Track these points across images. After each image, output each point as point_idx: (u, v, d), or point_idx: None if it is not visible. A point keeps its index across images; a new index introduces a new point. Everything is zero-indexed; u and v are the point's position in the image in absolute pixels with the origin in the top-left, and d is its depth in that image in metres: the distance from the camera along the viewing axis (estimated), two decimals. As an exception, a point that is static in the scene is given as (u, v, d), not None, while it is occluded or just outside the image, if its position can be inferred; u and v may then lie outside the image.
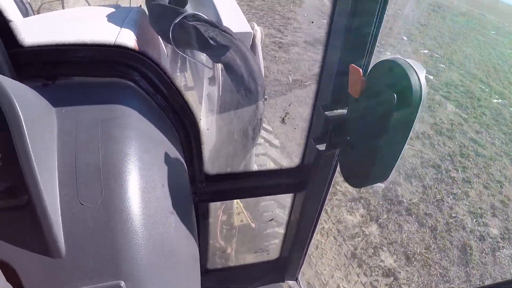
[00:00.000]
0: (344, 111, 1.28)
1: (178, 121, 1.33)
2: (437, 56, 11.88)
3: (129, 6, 3.65)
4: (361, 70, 1.06)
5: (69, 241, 0.86)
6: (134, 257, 0.90)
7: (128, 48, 1.17)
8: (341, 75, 1.23)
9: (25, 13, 3.82)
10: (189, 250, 1.20)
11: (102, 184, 0.92)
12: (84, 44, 1.13)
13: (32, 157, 0.80)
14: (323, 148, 1.32)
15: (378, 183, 1.23)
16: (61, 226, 0.86)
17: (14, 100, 0.79)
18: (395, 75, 1.00)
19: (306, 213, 1.87)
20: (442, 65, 11.25)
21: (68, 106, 1.03)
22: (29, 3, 3.96)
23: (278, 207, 3.15)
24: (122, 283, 0.87)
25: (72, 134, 0.97)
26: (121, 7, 3.02)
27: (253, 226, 2.98)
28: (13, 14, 3.42)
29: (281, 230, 3.01)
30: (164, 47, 3.23)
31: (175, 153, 1.24)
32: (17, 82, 0.93)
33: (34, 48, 1.10)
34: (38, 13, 4.16)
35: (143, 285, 0.91)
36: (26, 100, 0.89)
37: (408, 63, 0.98)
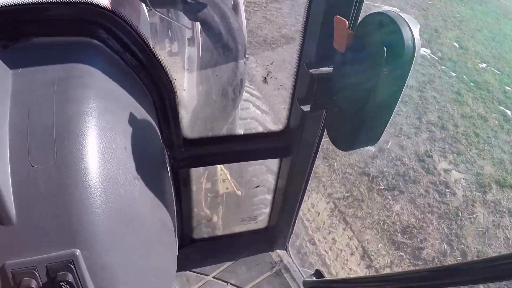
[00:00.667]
0: (330, 69, 1.20)
1: (151, 82, 1.25)
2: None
3: None
4: (347, 22, 0.98)
5: (20, 206, 0.79)
6: (91, 223, 0.83)
7: (94, 4, 1.07)
8: (327, 29, 1.14)
9: None
10: (158, 216, 1.14)
11: (56, 145, 0.84)
12: (46, 2, 1.03)
13: None
14: (308, 109, 1.25)
15: (368, 146, 1.17)
16: (11, 190, 0.79)
17: None
18: (385, 29, 0.92)
19: (294, 179, 1.82)
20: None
21: (26, 68, 0.94)
22: None
23: (267, 172, 3.10)
24: (78, 252, 0.80)
25: (26, 94, 0.89)
26: None
27: (238, 193, 2.94)
28: None
29: (269, 197, 2.97)
30: (147, 13, 3.13)
31: (144, 115, 1.15)
32: None
33: None
34: None
35: (101, 254, 0.84)
36: None
37: (401, 16, 0.90)
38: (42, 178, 0.81)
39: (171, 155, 1.44)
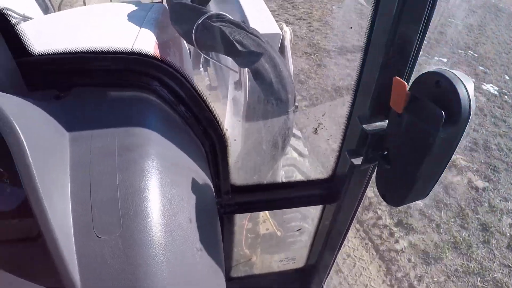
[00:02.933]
0: (383, 123, 1.19)
1: (203, 132, 1.26)
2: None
3: (150, 2, 3.61)
4: (406, 84, 0.97)
5: (85, 276, 0.79)
6: None
7: (147, 55, 1.08)
8: (381, 86, 1.14)
9: (45, 10, 3.82)
10: (217, 282, 1.14)
11: (121, 216, 0.84)
12: (99, 51, 1.05)
13: (39, 188, 0.72)
14: (359, 163, 1.24)
15: (417, 201, 1.16)
16: (76, 261, 0.79)
17: (17, 127, 0.72)
18: (441, 89, 0.91)
19: (337, 223, 1.79)
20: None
21: (83, 131, 0.95)
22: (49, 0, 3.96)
23: (301, 219, 3.07)
24: None
25: (86, 165, 0.89)
26: (142, 4, 2.97)
27: (278, 234, 2.91)
28: (32, 12, 3.42)
29: (307, 238, 2.93)
30: (186, 46, 3.17)
31: (201, 176, 1.16)
32: (26, 102, 0.87)
33: (44, 57, 1.03)
34: (59, 9, 4.15)
35: None
36: (32, 122, 0.82)
37: (455, 75, 0.90)
38: (108, 249, 0.81)
39: (218, 201, 1.44)
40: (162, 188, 0.93)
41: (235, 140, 2.12)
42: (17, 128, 0.72)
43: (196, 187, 1.07)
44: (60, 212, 0.80)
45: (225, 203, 1.47)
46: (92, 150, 0.92)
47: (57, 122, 0.92)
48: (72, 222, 0.82)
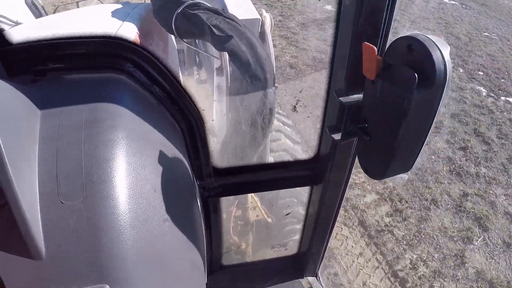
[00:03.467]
0: (359, 95, 1.18)
1: (179, 113, 1.26)
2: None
3: (141, 2, 3.67)
4: (375, 48, 0.96)
5: (50, 242, 0.80)
6: (120, 259, 0.83)
7: (119, 38, 1.10)
8: (355, 56, 1.13)
9: (38, 17, 3.90)
10: (188, 257, 1.14)
11: (84, 183, 0.85)
12: (73, 37, 1.07)
13: (5, 159, 0.73)
14: (339, 138, 1.23)
15: (401, 174, 1.15)
16: (40, 226, 0.80)
17: None
18: (415, 53, 0.90)
19: (325, 206, 1.79)
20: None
21: (53, 108, 0.97)
22: (42, 7, 4.02)
23: (297, 205, 3.09)
24: (107, 287, 0.80)
25: (54, 138, 0.91)
26: (129, 3, 3.01)
27: (269, 221, 2.92)
28: (26, 19, 3.47)
29: (300, 225, 2.95)
30: (175, 41, 3.20)
31: (173, 151, 1.16)
32: (2, 81, 0.89)
33: (22, 45, 1.05)
34: None
35: None
36: (6, 102, 0.85)
37: (430, 39, 0.89)
38: (71, 215, 0.82)
39: (200, 184, 1.44)
40: (127, 157, 0.94)
41: (213, 120, 2.13)
42: None
43: (165, 160, 1.07)
44: (26, 181, 0.81)
45: (208, 186, 1.47)
46: (60, 125, 0.93)
47: (30, 101, 0.94)
48: (38, 191, 0.83)
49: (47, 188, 0.84)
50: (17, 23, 3.14)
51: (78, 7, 5.29)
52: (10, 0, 3.56)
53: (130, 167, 0.93)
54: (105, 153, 0.91)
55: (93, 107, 0.99)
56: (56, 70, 1.10)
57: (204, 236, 1.47)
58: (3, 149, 0.73)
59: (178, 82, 1.19)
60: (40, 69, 1.09)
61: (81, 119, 0.95)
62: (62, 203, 0.83)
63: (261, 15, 2.18)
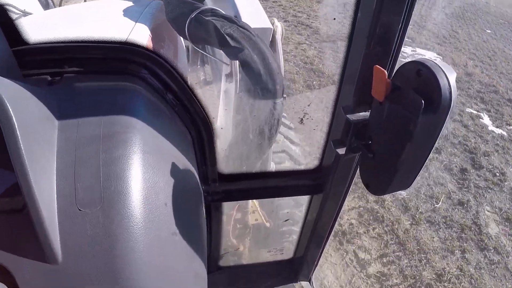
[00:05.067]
0: (366, 113, 1.22)
1: (190, 119, 1.29)
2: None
3: None
4: (386, 72, 1.00)
5: (66, 247, 0.83)
6: (134, 268, 0.87)
7: (136, 44, 1.13)
8: (364, 76, 1.17)
9: (46, 6, 3.87)
10: (193, 268, 1.17)
11: (102, 191, 0.89)
12: (90, 41, 1.10)
13: (27, 165, 0.77)
14: (343, 152, 1.27)
15: (400, 191, 1.18)
16: (57, 231, 0.83)
17: (10, 110, 0.77)
18: (423, 78, 0.94)
19: (324, 214, 1.82)
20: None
21: (71, 119, 0.99)
22: None
23: (294, 207, 3.11)
24: None
25: (72, 148, 0.94)
26: (140, 1, 3.01)
27: (267, 225, 2.95)
28: (33, 8, 3.46)
29: (297, 229, 2.97)
30: (183, 42, 3.21)
31: (184, 162, 1.20)
32: (20, 86, 0.91)
33: (38, 46, 1.08)
34: (60, 6, 4.20)
35: None
36: (24, 106, 0.87)
37: (437, 65, 0.92)
38: (89, 221, 0.85)
39: (205, 189, 1.46)
40: (141, 171, 0.97)
41: (221, 128, 2.15)
42: (10, 111, 0.77)
43: (176, 173, 1.10)
44: (45, 187, 0.83)
45: (212, 190, 1.50)
46: (78, 136, 0.96)
47: (47, 107, 0.97)
48: (56, 197, 0.86)
49: (65, 194, 0.87)
50: (24, 12, 3.15)
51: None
52: None
53: (143, 181, 0.96)
54: (121, 166, 0.94)
55: (109, 119, 1.02)
56: (71, 73, 1.13)
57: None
58: (24, 155, 0.77)
59: (192, 89, 1.22)
60: (56, 72, 1.12)
61: (99, 132, 0.98)
62: (79, 210, 0.86)
63: (272, 24, 2.19)
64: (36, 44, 1.08)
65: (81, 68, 1.13)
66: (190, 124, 1.30)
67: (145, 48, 1.14)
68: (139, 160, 0.97)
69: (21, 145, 0.77)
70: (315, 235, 2.00)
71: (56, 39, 1.09)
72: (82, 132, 0.97)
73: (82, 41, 1.10)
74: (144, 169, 0.97)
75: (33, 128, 0.86)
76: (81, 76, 1.13)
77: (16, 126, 0.77)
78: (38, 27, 2.13)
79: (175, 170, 1.10)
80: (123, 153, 0.96)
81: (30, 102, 0.92)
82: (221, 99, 2.49)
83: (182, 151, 1.21)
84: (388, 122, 1.07)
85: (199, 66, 4.14)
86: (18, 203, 0.84)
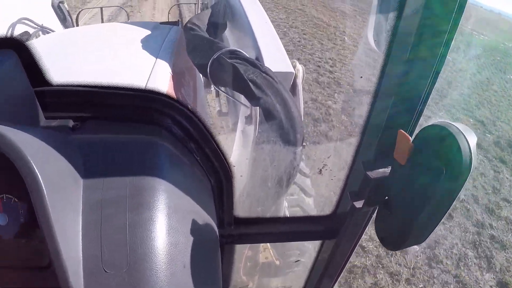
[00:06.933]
0: (385, 170, 1.23)
1: (211, 167, 1.31)
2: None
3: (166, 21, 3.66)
4: (410, 138, 1.02)
5: None
6: None
7: (161, 94, 1.15)
8: (386, 135, 1.19)
9: (63, 20, 3.93)
10: None
11: (129, 254, 0.90)
12: (115, 87, 1.12)
13: (53, 225, 0.78)
14: (360, 206, 1.28)
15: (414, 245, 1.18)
16: None
17: (36, 170, 0.78)
18: (444, 143, 0.95)
19: (335, 257, 1.82)
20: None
21: (96, 178, 1.01)
22: (68, 11, 4.08)
23: (300, 251, 3.08)
24: None
25: (98, 208, 0.95)
26: (159, 26, 3.00)
27: (277, 263, 2.93)
28: (51, 22, 3.50)
29: (305, 269, 2.95)
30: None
31: (204, 217, 1.21)
32: (43, 137, 0.92)
33: (61, 88, 1.09)
34: (77, 20, 4.27)
35: None
36: (49, 165, 0.88)
37: (459, 129, 0.93)
38: (116, 283, 0.86)
39: (221, 232, 1.47)
40: (166, 235, 0.98)
41: (241, 176, 2.14)
42: (35, 169, 0.78)
43: (196, 227, 1.12)
44: (71, 247, 0.85)
45: (227, 233, 1.51)
46: (103, 194, 0.97)
47: (71, 162, 0.98)
48: (82, 257, 0.87)
49: (91, 255, 0.88)
50: (42, 27, 3.16)
51: (102, 19, 5.37)
52: (36, 2, 3.62)
53: (167, 244, 0.98)
54: (147, 229, 0.95)
55: (135, 181, 1.03)
56: (94, 118, 1.15)
57: None
58: (51, 215, 0.78)
59: (215, 140, 1.24)
60: (78, 116, 1.13)
61: (125, 193, 0.99)
62: (106, 271, 0.87)
63: (294, 67, 2.18)
64: (60, 86, 1.09)
65: (104, 114, 1.15)
66: (211, 172, 1.32)
67: (171, 98, 1.16)
68: (163, 223, 0.99)
69: (48, 205, 0.78)
70: (325, 276, 1.99)
71: (80, 82, 1.10)
72: (108, 191, 0.98)
73: (107, 87, 1.12)
74: (168, 232, 0.99)
75: (58, 185, 0.87)
76: (104, 123, 1.15)
77: (43, 185, 0.78)
78: (58, 54, 2.14)
79: (195, 226, 1.11)
80: (148, 216, 0.97)
81: (54, 156, 0.93)
82: (237, 138, 2.48)
83: (201, 201, 1.22)
84: (407, 184, 1.08)
85: (212, 90, 4.14)
86: (44, 260, 0.86)
